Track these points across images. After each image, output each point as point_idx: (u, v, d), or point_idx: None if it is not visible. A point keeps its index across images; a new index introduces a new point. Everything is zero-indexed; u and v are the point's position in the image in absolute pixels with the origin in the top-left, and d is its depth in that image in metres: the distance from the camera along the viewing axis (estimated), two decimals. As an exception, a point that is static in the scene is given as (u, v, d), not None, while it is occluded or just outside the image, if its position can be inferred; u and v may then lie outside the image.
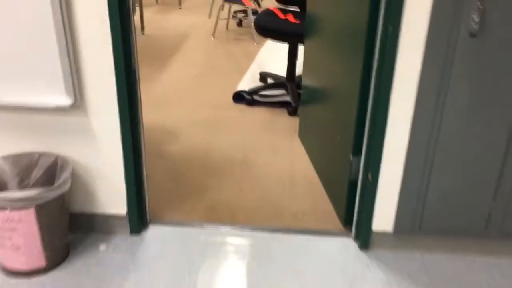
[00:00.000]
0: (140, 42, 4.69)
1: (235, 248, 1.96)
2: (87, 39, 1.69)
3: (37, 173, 1.88)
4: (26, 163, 1.87)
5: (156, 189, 2.33)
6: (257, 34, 3.26)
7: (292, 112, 3.18)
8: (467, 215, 1.89)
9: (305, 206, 2.26)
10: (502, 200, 1.84)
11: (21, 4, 1.60)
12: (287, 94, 3.35)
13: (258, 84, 3.58)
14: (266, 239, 2.02)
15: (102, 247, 1.95)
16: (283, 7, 3.44)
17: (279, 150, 2.76)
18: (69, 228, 1.91)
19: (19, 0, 1.59)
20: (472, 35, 1.59)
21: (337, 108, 2.16)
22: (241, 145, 2.80)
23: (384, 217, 1.92)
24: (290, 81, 3.35)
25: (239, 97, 3.37)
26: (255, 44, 4.76)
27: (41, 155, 1.87)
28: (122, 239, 2.00)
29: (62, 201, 1.79)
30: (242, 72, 3.93)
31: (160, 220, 2.10)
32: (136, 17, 5.05)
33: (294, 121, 3.11)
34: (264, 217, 2.18)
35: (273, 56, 4.21)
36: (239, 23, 5.45)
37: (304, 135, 2.80)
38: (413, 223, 1.91)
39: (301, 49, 3.27)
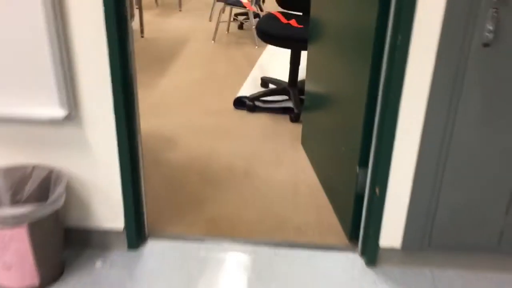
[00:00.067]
0: (139, 46, 4.62)
1: (236, 264, 1.89)
2: (82, 48, 1.62)
3: (30, 186, 1.80)
4: (19, 176, 1.79)
5: (154, 201, 2.26)
6: (259, 39, 3.17)
7: (295, 119, 3.11)
8: (479, 230, 1.81)
9: (309, 218, 2.18)
10: (516, 215, 1.76)
11: (12, 11, 1.52)
12: (289, 100, 3.28)
13: (260, 89, 3.51)
14: (268, 254, 1.95)
15: (98, 263, 1.87)
16: (286, 11, 3.36)
17: (281, 158, 2.69)
18: (64, 244, 1.83)
19: (10, 8, 1.51)
20: (486, 44, 1.52)
21: (342, 116, 2.09)
22: (242, 153, 2.72)
23: (392, 232, 1.84)
24: (293, 86, 3.28)
25: (240, 103, 3.30)
26: (256, 47, 4.68)
27: (34, 167, 1.80)
28: (119, 254, 1.92)
29: (56, 217, 1.71)
30: (243, 76, 3.85)
31: (159, 234, 2.02)
32: (136, 20, 4.97)
33: (297, 128, 3.03)
34: (266, 230, 2.10)
35: (274, 61, 4.13)
36: (240, 26, 5.38)
37: (307, 143, 2.72)
38: (422, 239, 1.84)
39: (303, 53, 3.20)
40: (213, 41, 4.85)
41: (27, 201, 1.80)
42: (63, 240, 1.81)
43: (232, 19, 5.34)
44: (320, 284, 1.80)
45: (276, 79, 3.51)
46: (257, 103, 3.27)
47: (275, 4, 3.39)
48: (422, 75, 1.59)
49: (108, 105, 1.70)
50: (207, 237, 2.02)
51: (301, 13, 3.31)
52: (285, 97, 3.33)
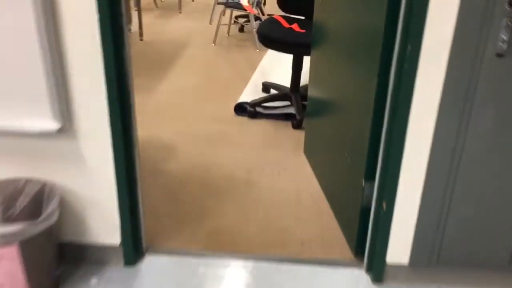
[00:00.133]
0: (138, 49, 4.54)
1: (237, 281, 1.81)
2: (76, 58, 1.55)
3: (22, 201, 1.73)
4: (11, 190, 1.72)
5: (152, 213, 2.18)
6: (260, 43, 3.10)
7: (297, 125, 3.03)
8: (489, 247, 1.74)
9: (312, 231, 2.11)
10: (529, 231, 1.69)
11: (3, 21, 1.45)
12: (291, 106, 3.21)
13: (261, 94, 3.44)
14: (270, 270, 1.87)
15: (94, 280, 1.80)
16: (288, 15, 3.28)
17: (283, 167, 2.61)
18: (58, 260, 1.76)
19: (1, 17, 1.44)
20: (499, 54, 1.44)
21: (347, 125, 2.01)
22: (243, 162, 2.65)
23: (399, 248, 1.77)
24: (295, 92, 3.20)
25: (241, 109, 3.22)
26: (257, 50, 4.61)
27: (27, 181, 1.73)
28: (116, 271, 1.85)
29: (49, 234, 1.64)
30: (244, 81, 3.78)
31: (156, 249, 1.95)
32: (135, 23, 4.91)
33: (299, 135, 2.96)
34: (268, 244, 2.03)
35: (276, 64, 4.06)
36: (241, 29, 5.31)
37: (310, 152, 2.65)
38: (431, 255, 1.76)
39: (306, 58, 3.13)
40: (213, 44, 4.78)
41: (19, 216, 1.73)
42: (56, 257, 1.74)
43: (232, 22, 5.27)
44: (325, 303, 1.73)
45: (277, 85, 3.43)
46: (258, 109, 3.19)
47: (277, 7, 3.32)
48: (433, 86, 1.52)
49: (104, 116, 1.63)
50: (207, 252, 1.95)
51: (303, 17, 3.24)
52: (287, 102, 3.25)
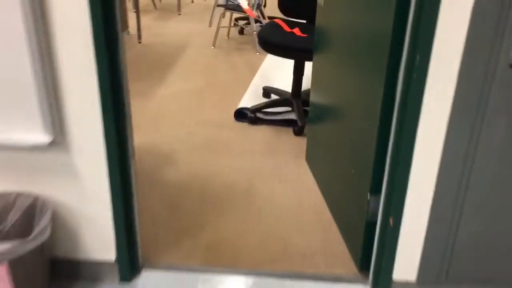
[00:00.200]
0: (136, 52, 4.47)
1: (238, 299, 1.74)
2: (68, 68, 1.47)
3: (13, 216, 1.66)
4: (1, 204, 1.65)
5: (149, 225, 2.11)
6: (261, 48, 3.03)
7: (298, 132, 2.96)
8: (501, 264, 1.67)
9: (315, 244, 2.04)
10: (542, 248, 1.62)
11: (-10, 29, 1.38)
12: (292, 112, 3.14)
13: (261, 99, 3.37)
14: (272, 286, 1.80)
15: (88, 298, 1.73)
16: (289, 19, 3.21)
17: (285, 176, 2.54)
18: (51, 277, 1.69)
19: (-12, 25, 1.37)
20: (513, 64, 1.37)
21: (351, 134, 1.94)
22: (243, 170, 2.58)
23: (406, 264, 1.70)
24: (296, 97, 3.13)
25: (241, 114, 3.15)
26: (257, 54, 4.54)
27: (18, 195, 1.66)
28: (111, 287, 1.78)
29: (41, 251, 1.57)
30: (244, 85, 3.71)
31: (153, 265, 1.88)
32: (133, 25, 4.83)
33: (300, 142, 2.89)
34: (270, 258, 1.96)
35: (276, 69, 3.99)
36: (241, 31, 5.23)
37: (312, 160, 2.58)
38: (440, 272, 1.69)
39: (307, 63, 3.06)
40: (213, 47, 4.71)
41: (10, 231, 1.66)
42: (49, 274, 1.67)
43: (232, 24, 5.20)
44: (329, 323, 1.66)
45: (278, 89, 3.36)
46: (258, 115, 3.12)
47: (277, 9, 3.25)
48: (443, 97, 1.44)
49: (98, 128, 1.56)
50: (206, 268, 1.88)
51: (304, 21, 3.16)
52: (288, 108, 3.18)
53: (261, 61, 4.30)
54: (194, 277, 1.82)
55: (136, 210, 1.78)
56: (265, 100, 3.35)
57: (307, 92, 3.07)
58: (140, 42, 4.75)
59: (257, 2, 4.61)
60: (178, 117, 3.18)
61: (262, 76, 3.85)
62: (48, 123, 1.49)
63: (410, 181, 1.57)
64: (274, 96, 3.39)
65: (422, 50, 1.38)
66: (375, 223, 1.75)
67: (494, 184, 1.54)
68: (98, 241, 1.74)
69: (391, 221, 1.64)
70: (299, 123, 2.97)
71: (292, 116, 3.10)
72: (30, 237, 1.52)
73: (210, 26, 5.41)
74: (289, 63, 3.30)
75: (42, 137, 1.51)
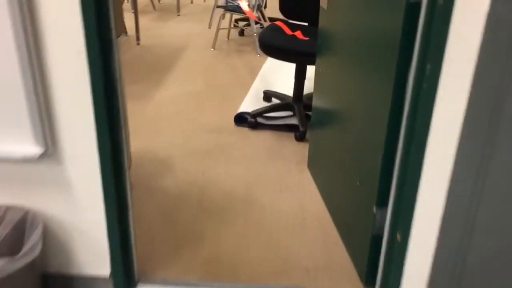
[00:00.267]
0: (134, 54, 4.39)
1: (238, 317, 1.67)
2: (60, 76, 1.40)
3: (3, 230, 1.58)
4: (-10, 218, 1.57)
5: (145, 237, 2.04)
6: (262, 52, 2.95)
7: (300, 137, 2.89)
8: (513, 281, 1.59)
9: (318, 258, 1.96)
10: (558, 266, 1.54)
11: (-24, 35, 1.30)
12: (294, 116, 3.06)
13: (262, 103, 3.29)
14: (274, 303, 1.73)
15: (81, 315, 1.65)
16: (290, 21, 3.13)
17: (286, 184, 2.47)
18: (42, 294, 1.61)
19: (-26, 31, 1.30)
20: (530, 74, 1.30)
21: (356, 143, 1.87)
22: (243, 177, 2.50)
23: (415, 281, 1.62)
24: (297, 102, 3.05)
25: (241, 119, 3.07)
26: (258, 56, 4.46)
27: (8, 209, 1.58)
28: (106, 304, 1.70)
29: (32, 268, 1.49)
30: (244, 88, 3.63)
31: (150, 279, 1.80)
32: (131, 26, 4.75)
33: (302, 148, 2.81)
34: (271, 273, 1.88)
35: (277, 72, 3.91)
36: (241, 33, 5.16)
37: (314, 167, 2.50)
38: (449, 289, 1.62)
39: (309, 66, 2.99)
40: (212, 49, 4.63)
41: (-1, 246, 1.58)
42: (40, 291, 1.60)
43: (232, 25, 5.12)
44: None
45: (279, 93, 3.28)
46: (259, 119, 3.05)
47: (278, 10, 3.17)
48: (454, 109, 1.37)
49: (91, 139, 1.48)
50: (205, 282, 1.80)
51: (306, 23, 3.09)
52: (289, 113, 3.11)
53: (262, 63, 4.22)
54: (193, 293, 1.75)
55: (132, 222, 1.71)
56: (265, 104, 3.27)
57: (309, 96, 3.00)
58: (138, 44, 4.67)
59: (257, 3, 4.53)
60: (176, 121, 3.11)
61: (263, 79, 3.77)
62: (38, 134, 1.41)
63: (419, 194, 1.50)
64: (275, 100, 3.32)
65: (433, 59, 1.30)
66: (381, 237, 1.68)
67: (508, 199, 1.46)
68: (92, 255, 1.66)
69: (398, 236, 1.56)
70: (301, 129, 2.89)
71: (294, 121, 3.02)
72: (20, 253, 1.45)
73: (209, 27, 5.33)
74: (290, 66, 3.22)
75: (32, 148, 1.43)
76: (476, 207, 1.48)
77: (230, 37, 5.03)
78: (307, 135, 2.88)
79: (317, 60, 2.36)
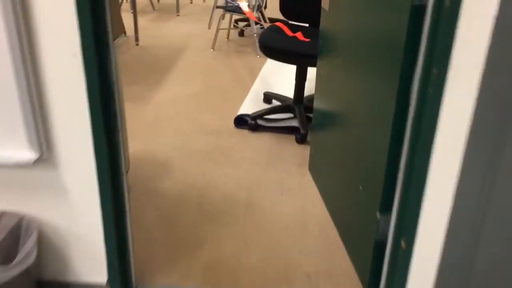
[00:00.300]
0: (133, 55, 4.36)
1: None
2: (55, 80, 1.36)
3: (-3, 236, 1.54)
4: (-16, 224, 1.53)
5: (144, 242, 2.00)
6: (262, 54, 2.91)
7: (301, 140, 2.85)
8: (520, 289, 1.55)
9: (320, 263, 1.92)
10: None
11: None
12: (295, 118, 3.02)
13: (262, 105, 3.25)
14: (275, 311, 1.69)
15: (78, 324, 1.62)
16: (291, 22, 3.09)
17: (287, 187, 2.43)
18: (37, 302, 1.58)
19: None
20: (540, 77, 1.26)
21: (359, 147, 1.83)
22: (243, 181, 2.47)
23: (418, 289, 1.58)
24: (298, 103, 3.01)
25: (241, 121, 3.03)
26: (258, 56, 4.42)
27: (2, 214, 1.54)
28: (102, 312, 1.66)
29: (27, 276, 1.45)
30: (244, 89, 3.59)
31: (148, 286, 1.76)
32: (130, 26, 4.72)
33: (303, 150, 2.77)
34: (271, 279, 1.84)
35: (278, 73, 3.87)
36: (241, 33, 5.12)
37: (316, 170, 2.47)
38: (454, 298, 1.58)
39: (310, 68, 2.95)
40: (212, 49, 4.59)
41: (-7, 253, 1.54)
42: (35, 299, 1.56)
43: (232, 26, 5.08)
44: None
45: (280, 95, 3.25)
46: (259, 121, 3.01)
47: (278, 11, 3.13)
48: (461, 111, 1.33)
49: (87, 144, 1.44)
50: (204, 289, 1.77)
51: (307, 25, 3.05)
52: (290, 115, 3.07)
53: (262, 64, 4.18)
54: (191, 300, 1.71)
55: (129, 228, 1.67)
56: (266, 106, 3.23)
57: (310, 98, 2.97)
58: (137, 44, 4.63)
59: (257, 3, 4.49)
60: (175, 122, 3.07)
61: (263, 80, 3.74)
62: (33, 139, 1.38)
63: (425, 200, 1.46)
64: (275, 102, 3.28)
65: (439, 63, 1.27)
66: (385, 243, 1.64)
67: (515, 205, 1.43)
68: (89, 262, 1.63)
69: (403, 243, 1.53)
70: (302, 131, 2.85)
71: (294, 123, 2.98)
72: (15, 261, 1.41)
73: (209, 28, 5.29)
74: (291, 67, 3.19)
75: (27, 154, 1.39)
76: (483, 214, 1.44)
77: (229, 38, 4.99)
78: (308, 138, 2.84)
79: (319, 62, 2.32)
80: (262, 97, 3.35)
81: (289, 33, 2.88)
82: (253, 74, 3.95)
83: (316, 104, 2.39)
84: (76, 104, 1.38)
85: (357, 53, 1.82)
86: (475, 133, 1.35)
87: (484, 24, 1.22)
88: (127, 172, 2.34)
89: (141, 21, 5.40)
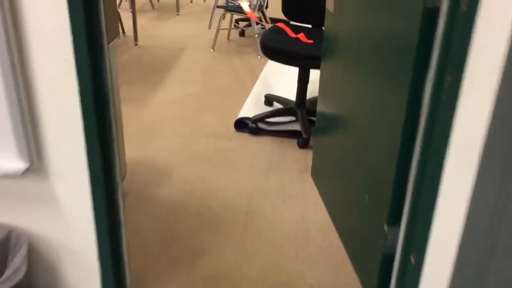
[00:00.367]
0: (132, 55, 4.28)
1: None
2: (46, 86, 1.28)
3: (-15, 249, 1.47)
4: (-28, 236, 1.46)
5: (140, 254, 1.92)
6: (264, 55, 2.83)
7: (303, 144, 2.77)
8: (535, 306, 1.48)
9: (323, 274, 1.85)
10: None
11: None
12: (297, 122, 2.94)
13: (263, 108, 3.18)
14: (277, 327, 1.61)
15: None
16: (293, 23, 3.02)
17: (289, 194, 2.35)
18: (27, 317, 1.50)
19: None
20: (561, 86, 1.18)
21: (365, 153, 1.75)
22: (244, 187, 2.39)
23: (428, 306, 1.51)
24: (300, 107, 2.94)
25: (241, 124, 2.96)
26: (259, 57, 4.34)
27: (-9, 226, 1.46)
28: (96, 327, 1.59)
29: (15, 291, 1.37)
30: (244, 91, 3.52)
31: (144, 300, 1.69)
32: (129, 26, 4.64)
33: (305, 155, 2.70)
34: (274, 292, 1.77)
35: (279, 74, 3.79)
36: (242, 33, 5.04)
37: (318, 176, 2.39)
38: (465, 315, 1.50)
39: (312, 70, 2.87)
40: (212, 50, 4.51)
41: (-19, 267, 1.47)
42: (25, 315, 1.48)
43: (233, 26, 5.00)
44: None
45: (281, 98, 3.17)
46: (260, 125, 2.93)
47: (279, 10, 3.05)
48: (477, 120, 1.25)
49: (80, 153, 1.37)
50: (203, 303, 1.69)
51: (310, 26, 2.97)
52: (292, 118, 2.99)
53: (263, 65, 4.10)
54: (190, 315, 1.64)
55: (124, 239, 1.59)
56: (267, 108, 3.16)
57: (312, 100, 2.89)
58: (136, 44, 4.56)
59: (258, 3, 4.41)
60: (174, 125, 2.99)
61: (264, 82, 3.66)
62: (23, 148, 1.30)
63: (436, 213, 1.39)
64: (276, 105, 3.20)
65: (453, 70, 1.19)
66: (393, 257, 1.57)
67: (531, 220, 1.35)
68: (82, 275, 1.55)
69: (412, 258, 1.45)
70: (304, 135, 2.78)
71: (296, 126, 2.91)
72: (3, 277, 1.34)
73: (209, 28, 5.21)
74: (292, 69, 3.10)
75: (16, 163, 1.32)
76: (498, 229, 1.37)
77: (230, 38, 4.92)
78: (311, 142, 2.77)
79: (322, 65, 2.24)
80: (263, 99, 3.28)
81: (291, 34, 2.80)
82: (254, 75, 3.88)
83: (320, 108, 2.32)
84: (68, 111, 1.31)
85: (363, 56, 1.75)
86: (491, 143, 1.28)
87: (503, 29, 1.14)
88: (123, 178, 2.26)
89: (140, 20, 5.32)
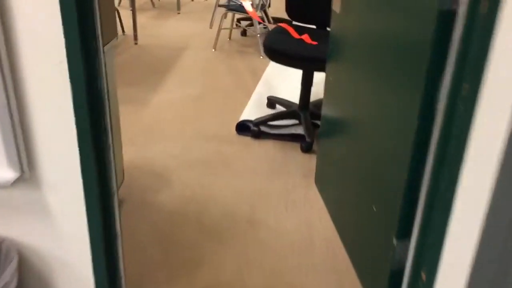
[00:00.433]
0: (132, 54, 4.20)
1: None
2: (38, 90, 1.21)
3: (-26, 261, 1.39)
4: (-40, 248, 1.38)
5: (137, 262, 1.85)
6: (266, 57, 2.76)
7: (306, 148, 2.70)
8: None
9: (327, 285, 1.78)
10: None
11: None
12: (300, 125, 2.87)
13: (265, 110, 3.10)
14: None
15: None
16: (297, 23, 2.94)
17: (292, 200, 2.28)
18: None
19: None
20: None
21: (373, 161, 1.68)
22: (245, 193, 2.32)
23: (439, 324, 1.43)
24: (304, 110, 2.86)
25: (243, 127, 2.88)
26: (261, 57, 4.26)
27: (-20, 237, 1.39)
28: None
29: (4, 308, 1.30)
30: (246, 92, 3.44)
31: (141, 314, 1.62)
32: (129, 25, 4.56)
33: (309, 160, 2.62)
34: (276, 305, 1.70)
35: (282, 75, 3.71)
36: (243, 33, 4.96)
37: (322, 182, 2.32)
38: (478, 334, 1.43)
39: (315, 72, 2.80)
40: (213, 49, 4.43)
41: (-31, 280, 1.39)
42: (15, 332, 1.41)
43: (234, 25, 4.92)
44: None
45: (284, 100, 3.09)
46: (262, 128, 2.86)
47: (282, 10, 2.98)
48: (496, 130, 1.18)
49: (74, 162, 1.29)
50: (203, 318, 1.62)
51: (314, 26, 2.89)
52: (295, 121, 2.92)
53: (265, 65, 4.03)
54: (188, 331, 1.57)
55: (121, 251, 1.52)
56: (269, 111, 3.08)
57: (316, 103, 2.82)
58: (136, 43, 4.48)
59: (261, 2, 4.33)
60: (173, 127, 2.92)
61: (266, 83, 3.58)
62: (13, 157, 1.23)
63: (450, 226, 1.31)
64: (279, 107, 3.13)
65: (471, 77, 1.12)
66: (402, 272, 1.49)
67: (551, 236, 1.28)
68: (76, 289, 1.48)
69: (423, 274, 1.38)
70: (307, 139, 2.70)
71: (300, 130, 2.83)
72: (-10, 292, 1.26)
73: (211, 27, 5.13)
74: (296, 70, 3.03)
75: (6, 173, 1.24)
76: (514, 245, 1.29)
77: (232, 38, 4.84)
78: (314, 146, 2.69)
79: (328, 67, 2.17)
80: (265, 101, 3.20)
81: (295, 35, 2.73)
82: (256, 75, 3.80)
83: (324, 112, 2.24)
84: (61, 118, 1.23)
85: (372, 60, 1.67)
86: (510, 156, 1.20)
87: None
88: (121, 183, 2.19)
89: (140, 19, 5.25)
